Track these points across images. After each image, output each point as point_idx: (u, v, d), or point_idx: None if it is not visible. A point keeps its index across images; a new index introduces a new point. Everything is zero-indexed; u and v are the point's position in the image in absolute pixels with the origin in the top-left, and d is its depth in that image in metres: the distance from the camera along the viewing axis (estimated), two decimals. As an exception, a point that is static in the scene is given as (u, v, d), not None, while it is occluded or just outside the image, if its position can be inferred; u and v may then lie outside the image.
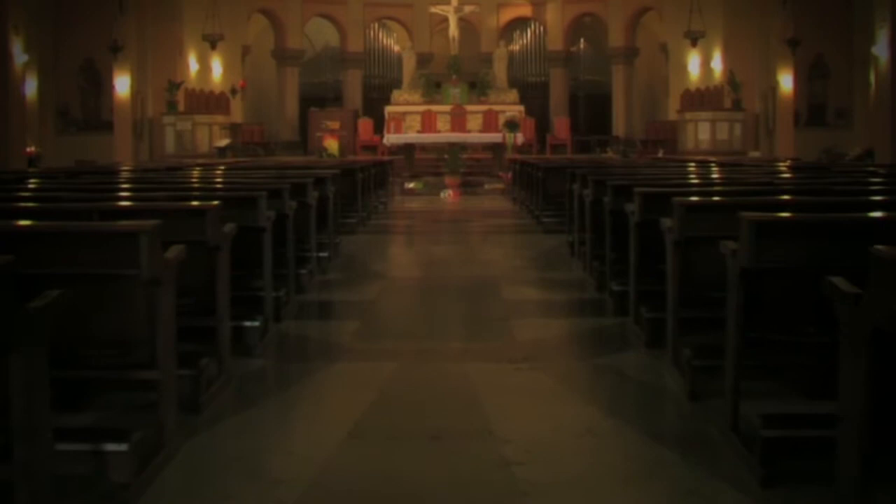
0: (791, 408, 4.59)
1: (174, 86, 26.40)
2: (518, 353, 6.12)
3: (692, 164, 15.15)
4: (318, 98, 33.91)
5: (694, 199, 5.55)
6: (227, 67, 30.83)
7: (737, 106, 26.73)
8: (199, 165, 15.69)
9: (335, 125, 27.99)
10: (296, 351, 6.44)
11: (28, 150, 21.22)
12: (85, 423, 4.33)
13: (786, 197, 6.00)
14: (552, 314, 7.76)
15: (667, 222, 5.59)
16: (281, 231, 7.53)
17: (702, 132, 27.10)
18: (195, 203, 5.28)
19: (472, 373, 5.59)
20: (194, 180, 9.20)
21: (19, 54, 18.83)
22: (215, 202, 5.08)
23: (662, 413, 5.06)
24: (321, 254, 9.63)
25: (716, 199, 5.81)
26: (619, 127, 33.05)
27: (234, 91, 31.19)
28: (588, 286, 8.71)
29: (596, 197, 8.76)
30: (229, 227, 5.37)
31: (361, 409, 4.86)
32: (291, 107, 33.55)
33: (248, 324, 6.00)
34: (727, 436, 4.29)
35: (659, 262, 6.54)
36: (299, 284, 8.28)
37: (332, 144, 26.77)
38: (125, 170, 13.49)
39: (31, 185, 8.30)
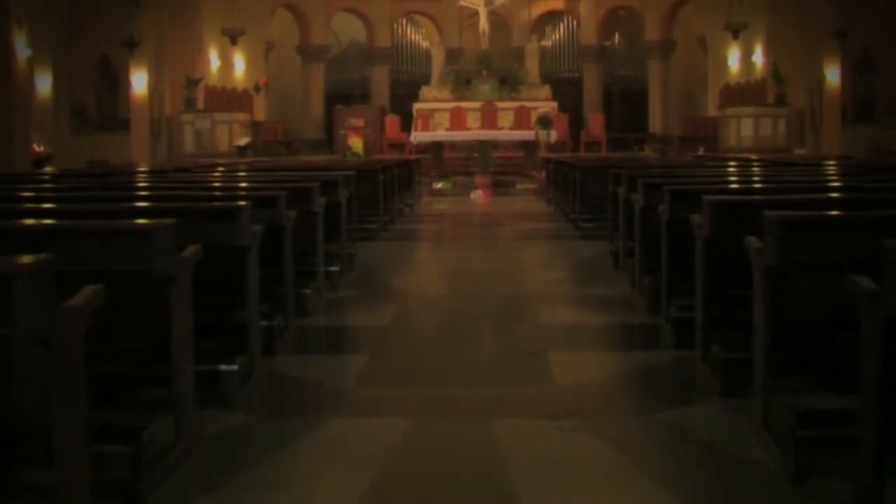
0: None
1: (192, 82, 25.38)
2: (560, 403, 4.90)
3: (743, 163, 13.86)
4: (344, 95, 32.97)
5: (791, 214, 4.28)
6: (250, 64, 29.96)
7: (780, 101, 25.39)
8: (210, 166, 14.60)
9: (360, 123, 26.83)
10: (285, 400, 5.19)
11: (36, 149, 20.25)
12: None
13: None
14: (598, 345, 6.53)
15: (753, 242, 4.37)
16: (277, 245, 6.38)
17: (744, 128, 25.80)
18: (141, 221, 4.08)
19: (502, 435, 4.38)
20: (181, 185, 8.01)
21: (23, 49, 17.80)
22: (168, 221, 3.90)
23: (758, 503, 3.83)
24: (331, 268, 8.46)
25: (830, 214, 4.51)
26: (655, 124, 31.86)
27: (257, 88, 30.26)
28: (638, 307, 7.47)
29: (647, 203, 7.55)
30: (191, 251, 4.20)
31: (358, 495, 3.68)
32: (317, 104, 32.65)
33: (224, 367, 4.82)
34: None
35: (733, 285, 5.34)
36: (303, 306, 7.12)
37: (356, 143, 25.62)
38: (126, 171, 12.39)
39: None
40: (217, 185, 7.84)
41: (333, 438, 4.45)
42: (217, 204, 5.22)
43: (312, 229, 7.63)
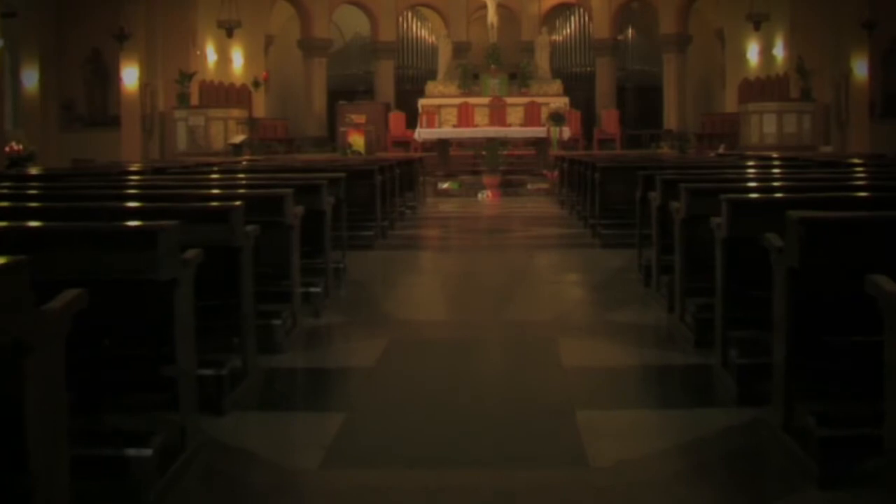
0: None
1: (186, 77, 24.11)
2: (600, 501, 3.56)
3: (777, 163, 12.50)
4: (347, 91, 31.81)
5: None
6: (249, 58, 28.89)
7: (805, 96, 24.06)
8: (195, 166, 13.32)
9: (361, 119, 25.57)
10: (218, 497, 3.81)
11: (14, 147, 19.01)
12: None
13: None
14: (638, 398, 5.12)
15: (885, 284, 3.02)
16: (233, 270, 5.06)
17: (767, 125, 24.50)
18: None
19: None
20: (127, 194, 6.62)
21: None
22: (17, 259, 2.55)
23: None
24: (312, 289, 7.13)
25: None
26: (670, 120, 30.71)
27: (256, 83, 29.14)
28: (680, 339, 6.13)
29: (690, 213, 6.22)
30: (64, 300, 2.85)
31: None
32: (319, 100, 31.49)
33: (133, 452, 3.49)
34: None
35: (832, 330, 4.03)
36: (272, 341, 5.79)
37: (357, 140, 24.36)
38: (97, 173, 11.12)
39: None
40: (163, 193, 6.48)
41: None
42: (128, 224, 3.85)
43: (286, 245, 6.32)
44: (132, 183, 7.94)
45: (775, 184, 6.94)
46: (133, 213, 4.68)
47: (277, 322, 5.89)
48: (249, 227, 5.19)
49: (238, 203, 4.94)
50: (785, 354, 4.09)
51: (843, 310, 3.88)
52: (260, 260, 5.77)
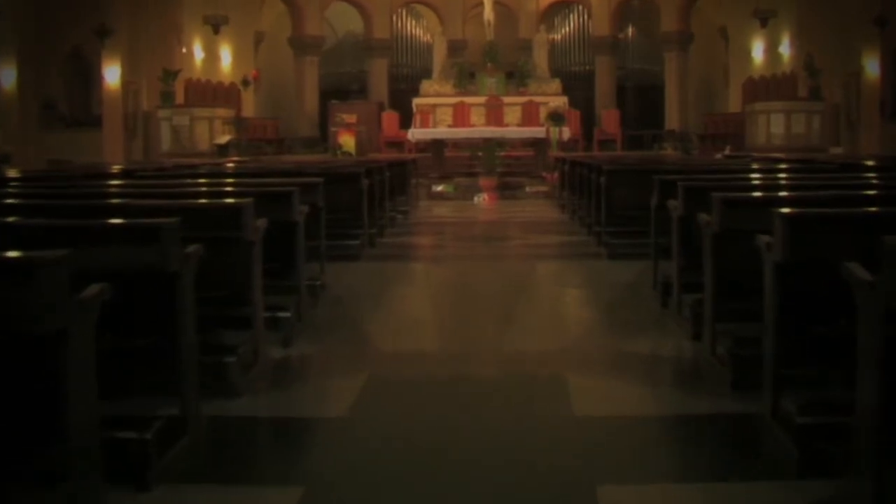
0: None
1: (170, 75, 23.16)
2: None
3: (797, 166, 11.56)
4: (340, 90, 31.03)
5: None
6: (238, 56, 28.04)
7: (814, 95, 23.15)
8: (170, 168, 12.38)
9: (352, 119, 24.63)
10: None
11: (-15, 148, 18.08)
12: None
13: None
14: (672, 465, 4.07)
15: None
16: (168, 300, 4.09)
17: (774, 125, 23.57)
18: None
19: None
20: (57, 202, 5.63)
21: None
22: None
23: None
24: (281, 313, 6.14)
25: None
26: (671, 120, 30.00)
27: (245, 82, 28.26)
28: (713, 378, 5.14)
29: (724, 227, 5.25)
30: None
31: None
32: (311, 100, 30.73)
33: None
34: None
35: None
36: (225, 383, 4.81)
37: (347, 141, 23.40)
38: (54, 177, 10.18)
39: None
40: (97, 205, 5.48)
41: None
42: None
43: (245, 263, 5.33)
44: (76, 191, 6.93)
45: (821, 193, 5.92)
46: (37, 235, 3.69)
47: (231, 359, 4.90)
48: (192, 247, 4.22)
49: (171, 220, 3.94)
50: (875, 416, 3.12)
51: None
52: (215, 282, 4.82)
